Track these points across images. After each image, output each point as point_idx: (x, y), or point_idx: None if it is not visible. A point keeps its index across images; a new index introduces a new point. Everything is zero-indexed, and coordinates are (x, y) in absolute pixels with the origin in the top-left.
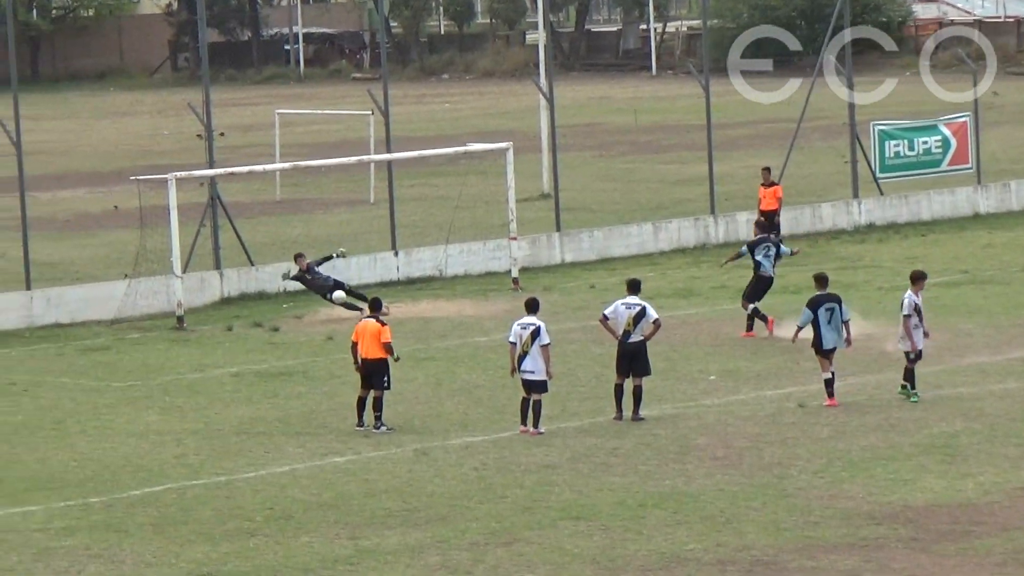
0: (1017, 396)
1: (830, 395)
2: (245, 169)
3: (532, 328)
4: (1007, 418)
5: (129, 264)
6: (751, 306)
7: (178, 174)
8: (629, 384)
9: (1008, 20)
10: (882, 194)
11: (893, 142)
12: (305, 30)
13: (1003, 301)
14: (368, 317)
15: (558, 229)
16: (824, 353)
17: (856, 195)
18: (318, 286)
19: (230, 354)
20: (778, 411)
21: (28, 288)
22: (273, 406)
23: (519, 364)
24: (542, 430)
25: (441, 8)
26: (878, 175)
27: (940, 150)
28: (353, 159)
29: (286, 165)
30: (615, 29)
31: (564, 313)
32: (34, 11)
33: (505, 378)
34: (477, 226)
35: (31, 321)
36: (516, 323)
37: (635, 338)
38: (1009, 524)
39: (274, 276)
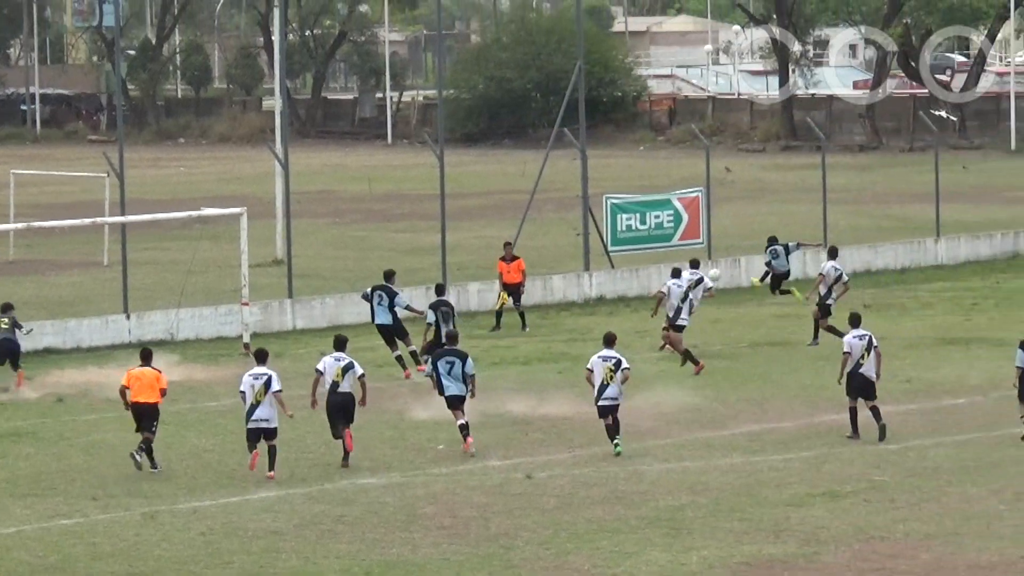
0: (741, 470)
1: (464, 438)
2: None
3: (264, 378)
4: (731, 492)
5: None
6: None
7: None
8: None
9: (741, 97)
10: (613, 267)
11: (625, 215)
12: (42, 91)
13: (730, 376)
14: (143, 366)
15: (290, 295)
16: (449, 401)
17: (587, 267)
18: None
19: None
20: (505, 481)
21: None
22: (1, 467)
23: (251, 414)
24: (273, 474)
25: (179, 72)
26: (610, 248)
27: (672, 224)
28: (87, 221)
29: (19, 225)
30: (352, 97)
31: (295, 379)
32: None
33: (233, 443)
34: (209, 291)
35: None
36: (246, 374)
37: (344, 389)
38: None
39: None
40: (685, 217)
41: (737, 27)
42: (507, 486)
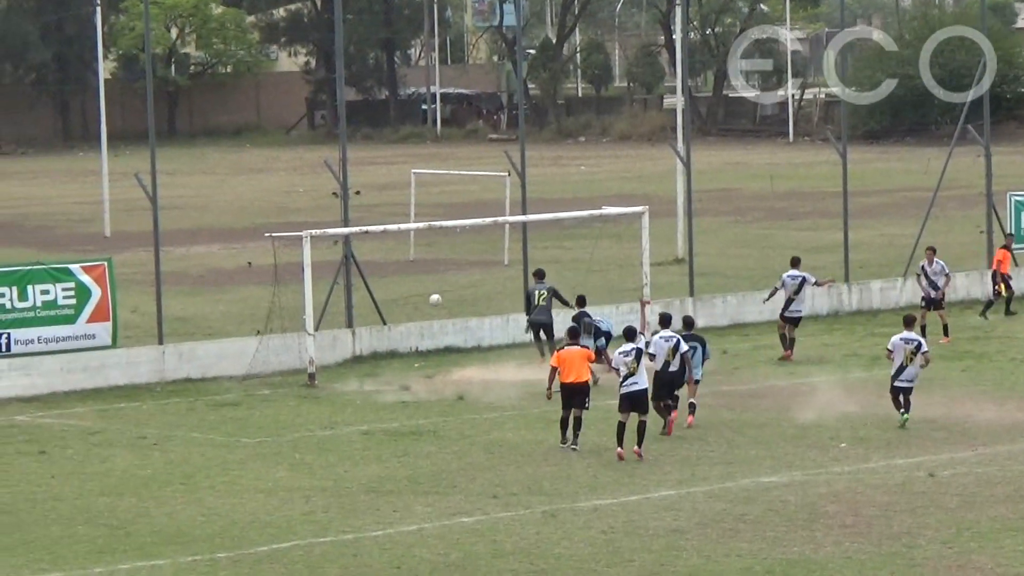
0: None
1: (691, 413)
2: (380, 228)
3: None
4: None
5: (261, 320)
6: None
7: (313, 231)
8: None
9: None
10: (1017, 265)
11: None
12: (442, 90)
13: None
14: (570, 344)
15: (691, 294)
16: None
17: (991, 265)
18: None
19: (360, 412)
20: (908, 480)
21: (160, 343)
22: (402, 465)
23: (624, 382)
24: (640, 451)
25: (579, 71)
26: (1013, 245)
27: None
28: (488, 220)
29: (421, 225)
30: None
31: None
32: (172, 67)
33: (631, 441)
34: (611, 289)
35: (163, 375)
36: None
37: (674, 368)
38: None
39: (406, 335)
40: None
41: None
42: (910, 484)
